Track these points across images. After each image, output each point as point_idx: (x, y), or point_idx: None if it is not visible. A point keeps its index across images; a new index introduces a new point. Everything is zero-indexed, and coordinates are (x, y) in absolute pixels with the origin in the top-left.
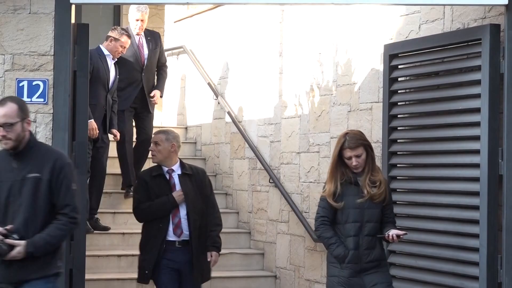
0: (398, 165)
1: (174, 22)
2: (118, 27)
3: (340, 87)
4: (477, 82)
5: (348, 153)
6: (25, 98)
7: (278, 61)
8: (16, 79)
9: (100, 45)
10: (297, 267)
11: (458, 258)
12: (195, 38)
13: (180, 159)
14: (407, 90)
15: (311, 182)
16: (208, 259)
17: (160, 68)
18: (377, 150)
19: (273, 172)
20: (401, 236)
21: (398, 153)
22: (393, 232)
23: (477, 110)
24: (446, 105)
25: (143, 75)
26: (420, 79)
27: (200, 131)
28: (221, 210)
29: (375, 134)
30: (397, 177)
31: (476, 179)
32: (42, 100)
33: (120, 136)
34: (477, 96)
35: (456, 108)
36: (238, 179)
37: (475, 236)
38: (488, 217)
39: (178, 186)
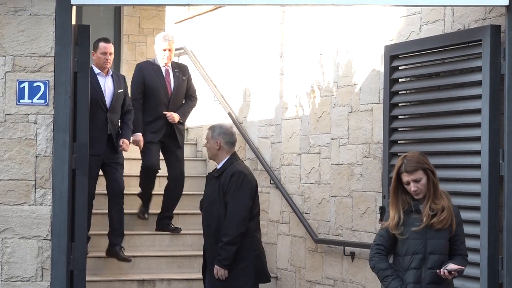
0: None
1: (175, 23)
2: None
3: (341, 88)
4: (478, 83)
5: (405, 177)
6: (26, 100)
7: (278, 62)
8: (17, 80)
9: (92, 65)
10: (298, 268)
11: None
12: (196, 39)
13: (232, 157)
14: (407, 91)
15: (312, 183)
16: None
17: (188, 98)
18: (378, 151)
19: (274, 173)
20: (455, 273)
21: (399, 154)
22: (450, 267)
23: (477, 111)
24: (446, 106)
25: (170, 108)
26: (421, 80)
27: (201, 132)
28: None
29: (375, 135)
30: None
31: (477, 180)
32: (43, 101)
33: (144, 168)
34: (478, 97)
35: (457, 109)
36: None
37: (476, 237)
38: (489, 218)
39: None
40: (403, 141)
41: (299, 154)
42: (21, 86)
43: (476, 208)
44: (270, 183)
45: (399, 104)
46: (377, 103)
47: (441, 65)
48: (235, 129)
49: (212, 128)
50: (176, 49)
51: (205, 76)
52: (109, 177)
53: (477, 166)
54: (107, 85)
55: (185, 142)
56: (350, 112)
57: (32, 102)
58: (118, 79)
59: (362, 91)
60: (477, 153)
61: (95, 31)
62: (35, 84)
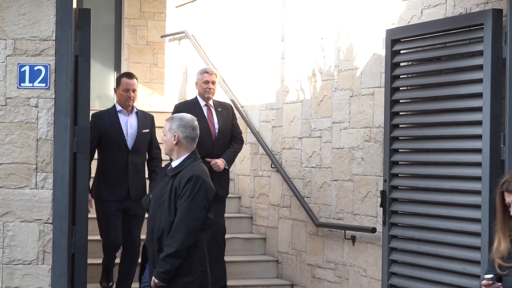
0: (400, 150)
1: (176, 7)
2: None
3: (342, 72)
4: (479, 67)
5: (508, 198)
6: (27, 83)
7: (280, 46)
8: (18, 64)
9: (115, 102)
10: (299, 251)
11: (460, 243)
12: (197, 23)
13: (191, 156)
14: (409, 75)
15: (313, 167)
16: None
17: (232, 139)
18: (379, 135)
19: (275, 157)
20: None
21: (400, 138)
22: None
23: (479, 95)
24: (448, 90)
25: (214, 153)
26: (422, 64)
27: None
28: None
29: (377, 119)
30: (399, 162)
31: (478, 164)
32: (44, 85)
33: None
34: (479, 81)
35: (458, 93)
36: (240, 164)
37: (477, 221)
38: (489, 202)
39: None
40: (404, 125)
41: (300, 138)
42: (22, 69)
43: (477, 192)
44: (271, 167)
45: (400, 88)
46: (378, 87)
47: (442, 49)
48: (197, 123)
49: (171, 119)
50: (176, 33)
51: (206, 60)
52: (124, 231)
53: (478, 150)
54: (129, 123)
55: None
56: (351, 96)
57: (33, 86)
58: (144, 118)
59: (363, 75)
60: (478, 137)
61: (96, 14)
62: (36, 68)
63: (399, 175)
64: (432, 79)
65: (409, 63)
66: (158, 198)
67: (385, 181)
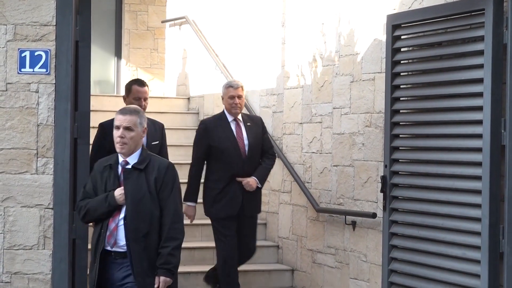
0: (400, 136)
1: None
2: None
3: (343, 58)
4: (480, 53)
5: None
6: (27, 69)
7: (280, 31)
8: (18, 49)
9: None
10: (299, 237)
11: (460, 228)
12: (198, 8)
13: (143, 147)
14: (410, 61)
15: (313, 152)
16: (155, 285)
17: (263, 155)
18: (380, 121)
19: (275, 142)
20: None
21: (400, 123)
22: None
23: (480, 81)
24: (449, 76)
25: (245, 170)
26: (423, 50)
27: (202, 102)
28: None
29: (377, 105)
30: (400, 148)
31: (478, 150)
32: (44, 70)
33: (222, 260)
34: (480, 66)
35: (459, 78)
36: None
37: (477, 206)
38: (490, 187)
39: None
40: (405, 110)
41: (300, 123)
42: (23, 55)
43: (478, 178)
44: None
45: (401, 74)
46: (379, 72)
47: (443, 34)
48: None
49: (135, 113)
50: (177, 19)
51: (206, 46)
52: None
53: (479, 136)
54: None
55: (187, 112)
56: (352, 82)
57: (33, 71)
58: (154, 128)
59: (364, 60)
60: (479, 122)
61: (96, 1)
62: (36, 53)
63: (400, 160)
64: (433, 64)
65: (410, 48)
66: (135, 194)
67: (385, 166)
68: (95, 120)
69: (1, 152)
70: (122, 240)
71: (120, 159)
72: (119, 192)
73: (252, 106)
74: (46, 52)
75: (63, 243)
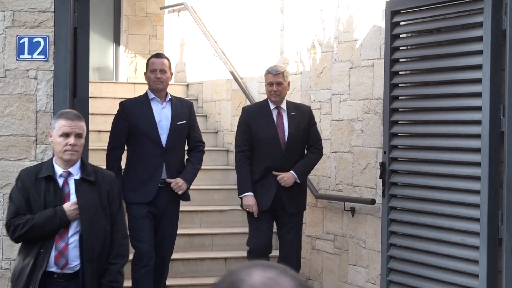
0: (399, 122)
1: None
2: None
3: (342, 44)
4: (479, 39)
5: None
6: (25, 55)
7: (279, 18)
8: (17, 36)
9: (147, 90)
10: None
11: (459, 214)
12: None
13: (82, 159)
14: (408, 47)
15: None
16: None
17: (308, 149)
18: (379, 107)
19: None
20: None
21: (399, 109)
22: None
23: (479, 67)
24: (447, 62)
25: (282, 163)
26: (422, 36)
27: (201, 88)
28: (222, 168)
29: (376, 91)
30: (399, 134)
31: (477, 136)
32: (43, 57)
33: (250, 251)
34: (479, 52)
35: (458, 64)
36: None
37: (476, 192)
38: (489, 173)
39: (73, 197)
40: (403, 96)
41: None
42: (21, 41)
43: (477, 164)
44: None
45: (400, 60)
46: (378, 58)
47: (442, 20)
48: None
49: (83, 119)
50: (176, 5)
51: (205, 32)
52: (156, 239)
53: (477, 122)
54: (163, 114)
55: (186, 98)
56: (351, 68)
57: (32, 58)
58: (180, 106)
59: (363, 46)
60: (478, 108)
61: None
62: (35, 40)
63: (399, 146)
64: (432, 50)
65: (409, 34)
66: (87, 209)
67: (384, 152)
68: (94, 106)
69: (0, 139)
70: (74, 260)
71: (59, 169)
72: (71, 207)
73: (251, 92)
74: (44, 39)
75: None
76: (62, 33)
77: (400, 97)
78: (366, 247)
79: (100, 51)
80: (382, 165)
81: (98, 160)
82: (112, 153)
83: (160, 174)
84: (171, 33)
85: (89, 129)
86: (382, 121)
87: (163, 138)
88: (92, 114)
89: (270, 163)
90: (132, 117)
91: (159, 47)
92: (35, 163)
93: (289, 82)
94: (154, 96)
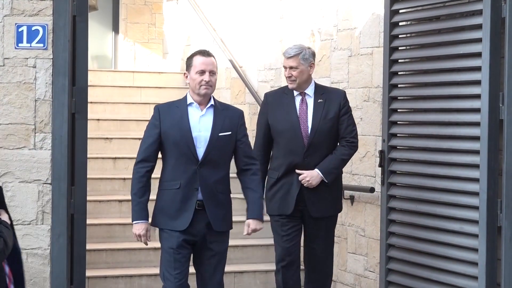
0: (398, 110)
1: None
2: None
3: (341, 32)
4: (479, 27)
5: None
6: (24, 44)
7: (278, 6)
8: (15, 24)
9: (188, 93)
10: None
11: (458, 202)
12: None
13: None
14: (408, 35)
15: None
16: None
17: (341, 142)
18: (378, 95)
19: None
20: None
21: (398, 98)
22: None
23: (478, 55)
24: (447, 50)
25: (306, 159)
26: (421, 24)
27: None
28: None
29: (375, 79)
30: (398, 122)
31: (476, 124)
32: (41, 45)
33: (277, 264)
34: (478, 40)
35: (457, 52)
36: None
37: (475, 180)
38: (488, 161)
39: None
40: (403, 85)
41: None
42: (20, 30)
43: (476, 152)
44: None
45: (399, 48)
46: (377, 46)
47: (441, 8)
48: None
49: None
50: None
51: (204, 20)
52: (199, 274)
53: (477, 110)
54: (203, 123)
55: (186, 87)
56: (350, 56)
57: (31, 46)
58: (226, 114)
59: (362, 34)
60: (477, 96)
61: None
62: (33, 28)
63: (398, 135)
64: (431, 38)
65: (408, 22)
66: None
67: (383, 141)
68: (93, 95)
69: None
70: None
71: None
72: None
73: (250, 80)
74: (43, 27)
75: (61, 218)
76: (61, 21)
77: (399, 85)
78: (365, 235)
79: (99, 40)
80: (381, 153)
81: (97, 148)
82: (137, 168)
83: (195, 195)
84: (170, 21)
85: (88, 117)
86: (381, 109)
87: (200, 151)
88: (91, 102)
89: (291, 160)
90: (164, 124)
91: (158, 35)
92: (34, 152)
93: (312, 63)
94: (193, 101)
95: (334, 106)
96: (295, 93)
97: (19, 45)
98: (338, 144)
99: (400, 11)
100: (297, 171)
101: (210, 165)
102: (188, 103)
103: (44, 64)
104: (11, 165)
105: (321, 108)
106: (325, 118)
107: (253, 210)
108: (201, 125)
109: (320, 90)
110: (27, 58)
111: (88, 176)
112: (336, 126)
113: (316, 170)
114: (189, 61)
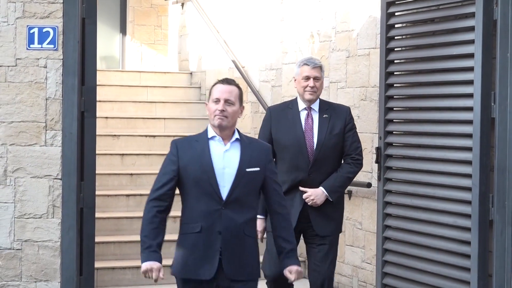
0: (394, 109)
1: None
2: None
3: (339, 34)
4: (471, 29)
5: None
6: (36, 45)
7: (279, 9)
8: (27, 26)
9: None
10: None
11: (451, 197)
12: None
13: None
14: (403, 36)
15: None
16: None
17: (345, 159)
18: (374, 94)
19: None
20: None
21: (394, 97)
22: None
23: (471, 56)
24: (441, 51)
25: (310, 175)
26: (417, 26)
27: (204, 76)
28: None
29: (372, 79)
30: (394, 120)
31: (469, 122)
32: (52, 46)
33: (267, 281)
34: (471, 42)
35: (451, 53)
36: (241, 122)
37: (468, 176)
38: (480, 158)
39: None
40: (398, 84)
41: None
42: (31, 31)
43: (468, 149)
44: None
45: (395, 49)
46: (374, 48)
47: (436, 11)
48: None
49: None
50: None
51: (208, 22)
52: None
53: (469, 109)
54: (227, 159)
55: (189, 86)
56: (348, 57)
57: (42, 47)
58: (254, 149)
59: (359, 36)
60: (470, 96)
61: None
62: (44, 30)
63: (394, 132)
64: (426, 40)
65: (404, 24)
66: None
67: (380, 138)
68: (101, 94)
69: (11, 125)
70: None
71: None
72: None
73: (251, 80)
74: (54, 29)
75: (71, 212)
76: (70, 23)
77: (395, 85)
78: (363, 229)
79: (107, 41)
80: (378, 150)
81: (105, 145)
82: (149, 207)
83: (219, 240)
84: (175, 23)
85: (97, 115)
86: (377, 107)
87: (224, 190)
88: (100, 101)
89: (295, 176)
90: (183, 159)
91: (164, 37)
92: (45, 148)
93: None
94: (215, 135)
95: (340, 122)
96: (300, 107)
97: (31, 46)
98: (343, 161)
99: (396, 13)
100: (301, 188)
101: (237, 205)
102: (209, 136)
103: (54, 64)
104: (23, 161)
105: (327, 123)
106: (331, 134)
107: (289, 258)
108: (225, 161)
109: (324, 106)
110: (38, 59)
111: (96, 172)
112: (341, 143)
113: (321, 188)
114: (210, 90)
